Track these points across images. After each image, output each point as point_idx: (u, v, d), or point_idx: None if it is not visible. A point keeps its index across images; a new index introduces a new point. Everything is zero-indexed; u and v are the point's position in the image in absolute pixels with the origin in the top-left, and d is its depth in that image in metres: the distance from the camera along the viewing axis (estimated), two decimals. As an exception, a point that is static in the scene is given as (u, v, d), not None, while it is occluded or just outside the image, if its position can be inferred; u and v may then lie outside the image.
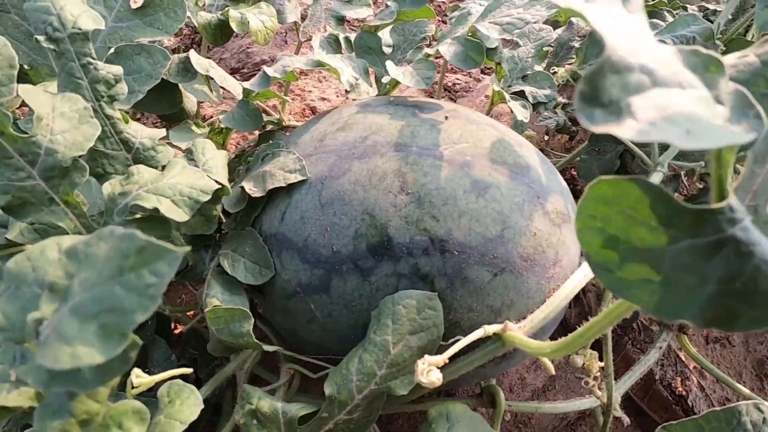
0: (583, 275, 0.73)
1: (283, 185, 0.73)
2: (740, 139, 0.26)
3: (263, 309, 0.85)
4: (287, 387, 0.77)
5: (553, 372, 0.65)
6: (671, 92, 0.27)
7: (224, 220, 0.86)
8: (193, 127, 0.97)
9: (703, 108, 0.27)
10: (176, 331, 1.11)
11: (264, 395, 0.64)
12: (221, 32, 1.18)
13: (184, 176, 0.63)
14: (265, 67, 0.86)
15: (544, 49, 1.09)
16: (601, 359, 1.28)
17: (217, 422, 0.91)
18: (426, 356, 0.59)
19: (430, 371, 0.59)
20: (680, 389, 1.16)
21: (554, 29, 1.30)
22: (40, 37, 0.61)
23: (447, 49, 0.79)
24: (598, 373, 0.86)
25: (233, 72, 1.68)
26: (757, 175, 0.37)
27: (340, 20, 1.33)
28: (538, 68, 1.06)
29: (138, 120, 1.47)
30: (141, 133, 0.69)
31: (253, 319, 0.66)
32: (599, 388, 0.87)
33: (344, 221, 0.68)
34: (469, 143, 0.73)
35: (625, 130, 0.25)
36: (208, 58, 1.76)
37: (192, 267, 0.89)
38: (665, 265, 0.33)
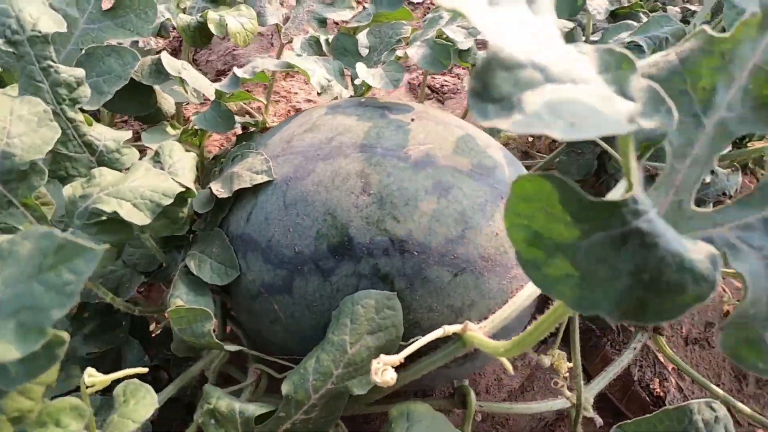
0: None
1: (249, 186, 0.74)
2: (622, 129, 0.26)
3: (233, 310, 0.85)
4: (254, 387, 0.78)
5: (512, 371, 0.66)
6: (563, 87, 0.27)
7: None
8: (168, 129, 0.97)
9: (594, 101, 0.27)
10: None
11: (223, 395, 0.64)
12: (200, 34, 1.19)
13: (147, 179, 0.64)
14: (235, 68, 0.86)
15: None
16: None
17: (190, 422, 0.92)
18: (382, 356, 0.60)
19: (385, 370, 0.59)
20: (658, 390, 1.16)
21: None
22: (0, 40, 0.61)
23: (415, 52, 0.80)
24: (567, 374, 0.86)
25: (219, 74, 1.68)
26: (677, 170, 0.38)
27: (323, 22, 1.34)
28: (514, 70, 1.06)
29: (120, 122, 1.48)
30: (106, 135, 0.69)
31: (214, 320, 0.67)
32: (570, 389, 0.88)
33: (307, 222, 0.68)
34: (434, 144, 0.73)
35: (512, 124, 0.25)
36: (195, 60, 1.77)
37: (165, 268, 0.89)
38: (581, 260, 0.33)
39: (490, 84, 0.26)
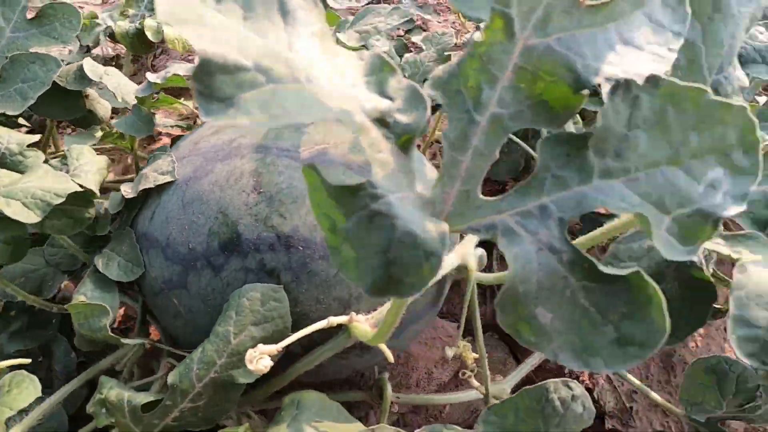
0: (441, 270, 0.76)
1: (153, 186, 0.77)
2: (321, 117, 0.30)
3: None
4: (165, 380, 0.81)
5: (392, 359, 0.69)
6: (285, 86, 0.31)
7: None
8: (97, 133, 1.00)
9: (312, 97, 0.30)
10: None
11: (116, 385, 0.67)
12: (139, 41, 1.22)
13: (43, 180, 0.67)
14: (148, 74, 0.89)
15: (447, 53, 1.13)
16: (518, 353, 1.30)
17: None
18: (260, 345, 0.63)
19: (260, 359, 0.62)
20: (587, 382, 1.19)
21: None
22: None
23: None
24: (474, 365, 0.89)
25: (175, 79, 1.72)
26: (460, 161, 0.41)
27: (266, 28, 1.37)
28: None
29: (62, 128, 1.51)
30: (9, 138, 0.73)
31: (111, 315, 0.70)
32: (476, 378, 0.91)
33: (201, 220, 0.71)
34: (331, 144, 0.77)
35: (225, 118, 0.29)
36: (153, 66, 1.81)
37: (88, 267, 0.92)
38: (352, 241, 0.36)
39: (213, 86, 0.30)
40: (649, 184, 0.39)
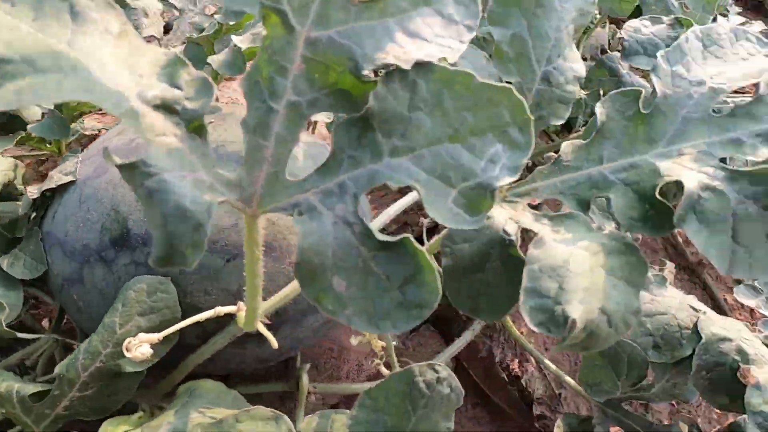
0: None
1: (54, 186, 0.79)
2: (90, 98, 0.33)
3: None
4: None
5: (276, 345, 0.71)
6: (47, 76, 0.33)
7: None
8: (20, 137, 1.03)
9: (73, 82, 0.33)
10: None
11: (9, 377, 0.69)
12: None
13: (-63, 181, 0.70)
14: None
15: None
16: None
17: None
18: (141, 334, 0.65)
19: (139, 346, 0.65)
20: (516, 370, 1.22)
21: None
22: None
23: (217, 59, 0.86)
24: (383, 352, 0.91)
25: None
26: (264, 146, 0.44)
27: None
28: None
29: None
30: None
31: (8, 310, 0.72)
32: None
33: (95, 217, 0.74)
34: (227, 141, 0.80)
35: None
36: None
37: (9, 267, 0.95)
38: (147, 216, 0.40)
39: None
40: (433, 161, 0.42)
